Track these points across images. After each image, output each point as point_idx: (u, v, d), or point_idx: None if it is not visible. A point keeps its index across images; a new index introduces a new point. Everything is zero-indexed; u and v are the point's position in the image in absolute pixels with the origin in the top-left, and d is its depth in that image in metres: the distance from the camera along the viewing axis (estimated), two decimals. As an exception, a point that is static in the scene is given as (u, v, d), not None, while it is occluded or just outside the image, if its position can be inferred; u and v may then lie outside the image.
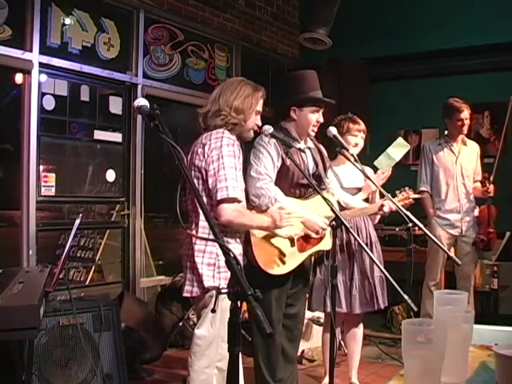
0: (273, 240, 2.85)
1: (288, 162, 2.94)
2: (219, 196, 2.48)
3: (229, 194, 2.48)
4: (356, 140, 3.57)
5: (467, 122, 4.35)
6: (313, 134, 3.12)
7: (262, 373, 3.04)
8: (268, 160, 2.91)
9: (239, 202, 2.54)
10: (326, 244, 3.09)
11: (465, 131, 4.40)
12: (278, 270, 2.88)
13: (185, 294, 2.61)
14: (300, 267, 3.06)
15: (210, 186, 2.52)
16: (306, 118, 3.05)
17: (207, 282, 2.52)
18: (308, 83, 3.07)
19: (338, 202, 3.32)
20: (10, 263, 3.60)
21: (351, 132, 3.57)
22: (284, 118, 3.12)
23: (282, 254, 2.89)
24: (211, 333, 2.55)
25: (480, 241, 4.41)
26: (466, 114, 4.32)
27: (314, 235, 2.99)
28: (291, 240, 2.94)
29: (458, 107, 4.31)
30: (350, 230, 2.64)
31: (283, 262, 2.89)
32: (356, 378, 3.68)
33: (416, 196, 3.49)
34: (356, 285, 3.48)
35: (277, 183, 2.94)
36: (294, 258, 2.94)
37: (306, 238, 3.00)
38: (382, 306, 3.56)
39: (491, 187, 4.31)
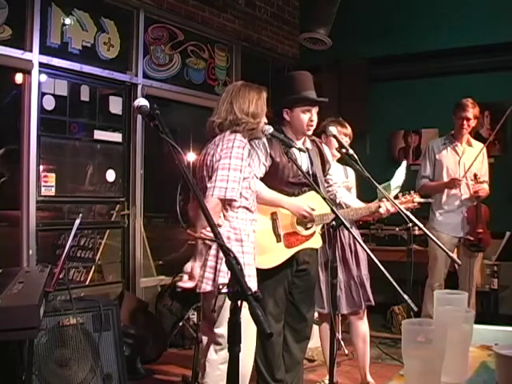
0: (257, 235, 2.84)
1: (278, 159, 3.00)
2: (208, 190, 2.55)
3: (214, 193, 2.53)
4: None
5: (468, 122, 4.30)
6: (309, 132, 3.13)
7: (261, 372, 3.08)
8: (254, 159, 2.99)
9: (224, 200, 2.57)
10: (315, 242, 3.10)
11: (465, 131, 4.36)
12: (263, 263, 2.87)
13: (199, 291, 2.62)
14: (302, 268, 3.08)
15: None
16: (298, 118, 3.07)
17: (222, 279, 2.54)
18: (299, 84, 3.08)
19: (339, 204, 3.32)
20: (10, 263, 3.61)
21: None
22: (281, 120, 3.16)
23: (266, 249, 2.91)
24: None
25: (466, 240, 4.33)
26: (468, 114, 4.27)
27: (302, 232, 3.01)
28: (277, 236, 2.97)
29: (463, 105, 4.27)
30: (350, 229, 2.62)
31: (269, 256, 2.91)
32: (369, 376, 3.65)
33: (422, 200, 3.36)
34: (341, 286, 3.45)
35: (267, 181, 2.99)
36: (281, 253, 2.96)
37: (294, 235, 3.02)
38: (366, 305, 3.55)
39: (478, 186, 4.27)
